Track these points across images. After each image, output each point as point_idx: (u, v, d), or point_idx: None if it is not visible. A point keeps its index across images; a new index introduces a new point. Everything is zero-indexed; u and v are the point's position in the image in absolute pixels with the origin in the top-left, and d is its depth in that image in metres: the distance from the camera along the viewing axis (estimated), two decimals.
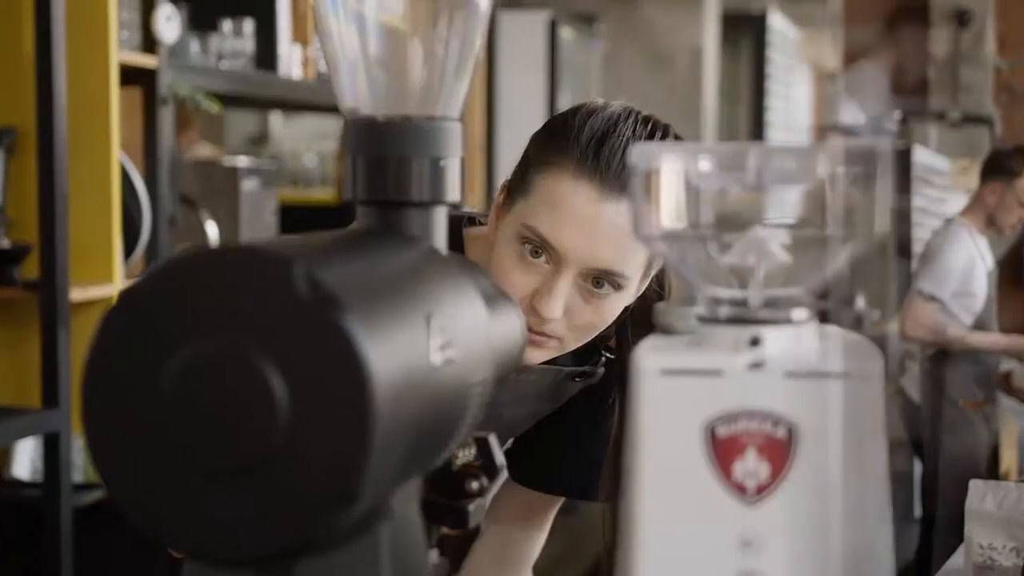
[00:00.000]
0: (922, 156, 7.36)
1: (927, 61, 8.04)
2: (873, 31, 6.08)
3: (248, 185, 3.17)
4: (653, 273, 1.33)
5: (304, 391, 0.58)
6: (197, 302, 0.59)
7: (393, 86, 0.77)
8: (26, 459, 2.83)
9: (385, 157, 0.75)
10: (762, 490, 0.65)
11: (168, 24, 2.69)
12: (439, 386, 0.66)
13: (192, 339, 0.59)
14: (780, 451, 0.65)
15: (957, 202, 8.02)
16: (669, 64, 5.68)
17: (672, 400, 0.65)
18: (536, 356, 1.29)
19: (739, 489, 0.65)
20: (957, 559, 2.05)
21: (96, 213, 2.52)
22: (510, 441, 1.52)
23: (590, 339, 1.31)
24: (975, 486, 1.95)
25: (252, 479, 0.58)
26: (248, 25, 3.18)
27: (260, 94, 3.36)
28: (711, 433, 0.65)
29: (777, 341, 0.66)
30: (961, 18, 8.90)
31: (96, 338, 0.60)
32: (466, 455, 0.84)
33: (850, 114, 4.46)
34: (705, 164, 0.67)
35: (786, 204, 0.71)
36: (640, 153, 0.67)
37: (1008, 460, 4.69)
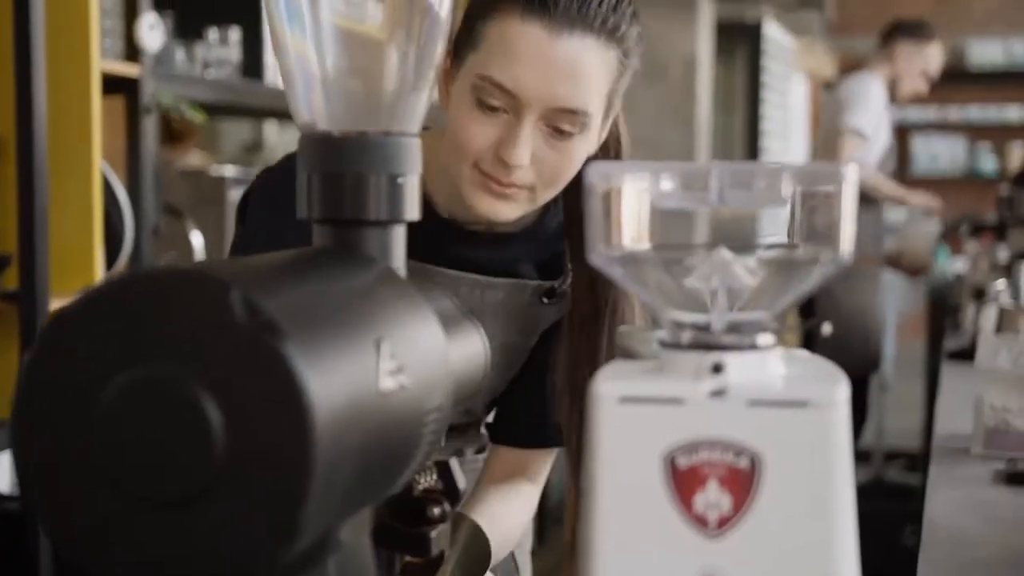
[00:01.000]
0: (771, 31, 7.35)
1: None
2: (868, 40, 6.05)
3: (235, 195, 3.14)
4: (613, 115, 1.32)
5: (242, 420, 0.55)
6: (132, 327, 0.56)
7: (349, 100, 0.74)
8: (5, 472, 2.80)
9: (341, 174, 0.72)
10: (724, 523, 0.62)
11: (151, 33, 2.66)
12: (389, 413, 0.63)
13: (127, 365, 0.56)
14: (743, 482, 0.62)
15: (800, 82, 8.05)
16: (663, 73, 5.66)
17: (631, 429, 0.63)
18: (508, 210, 1.27)
19: (700, 522, 0.63)
20: (963, 423, 1.89)
21: (77, 223, 2.49)
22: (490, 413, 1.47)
23: (559, 190, 1.29)
24: (986, 340, 1.80)
25: (188, 511, 0.56)
26: (234, 33, 3.15)
27: (246, 103, 3.33)
28: (671, 463, 0.63)
29: (741, 367, 0.63)
30: None
31: (27, 362, 0.58)
32: (427, 480, 0.81)
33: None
34: (666, 184, 0.64)
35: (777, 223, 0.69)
36: (597, 172, 0.65)
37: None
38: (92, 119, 2.48)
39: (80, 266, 2.48)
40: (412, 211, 0.74)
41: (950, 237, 6.16)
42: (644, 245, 0.66)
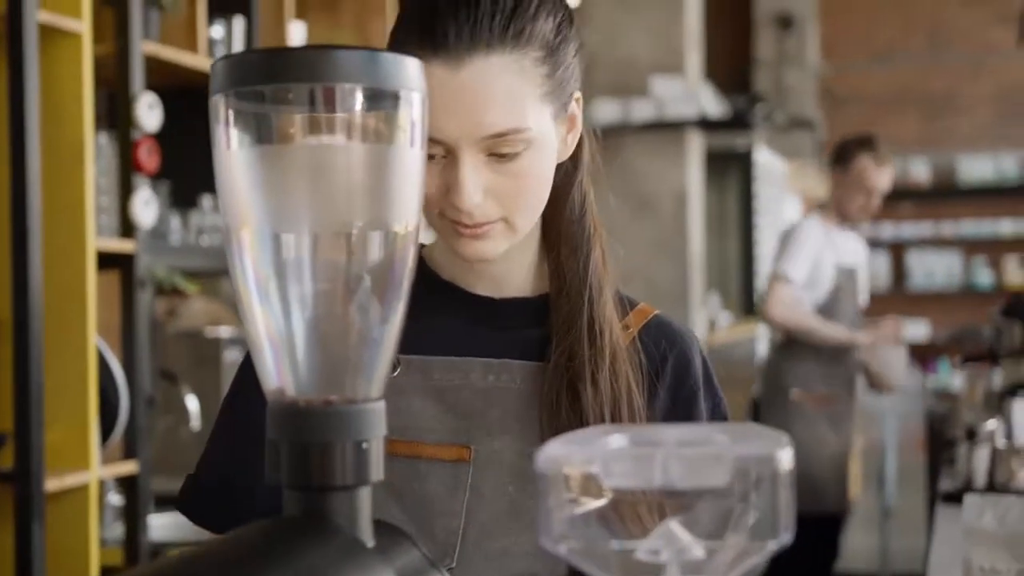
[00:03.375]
0: (762, 156, 7.43)
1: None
2: None
3: (231, 356, 3.18)
4: (571, 108, 1.26)
5: None
6: None
7: (316, 370, 0.77)
8: None
9: (308, 443, 0.75)
10: None
11: (146, 208, 2.72)
12: None
13: None
14: None
15: (793, 203, 8.14)
16: (654, 208, 5.73)
17: None
18: (490, 247, 1.23)
19: None
20: None
21: (73, 400, 2.52)
22: None
23: (539, 209, 1.24)
24: (971, 502, 1.79)
25: None
26: None
27: None
28: None
29: None
30: (784, 22, 9.06)
31: None
32: None
33: None
34: (614, 466, 0.67)
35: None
36: (547, 456, 0.67)
37: (853, 470, 4.70)
38: (87, 298, 2.52)
39: (75, 444, 2.50)
40: (377, 472, 0.77)
41: (949, 353, 6.16)
42: (592, 523, 0.68)
